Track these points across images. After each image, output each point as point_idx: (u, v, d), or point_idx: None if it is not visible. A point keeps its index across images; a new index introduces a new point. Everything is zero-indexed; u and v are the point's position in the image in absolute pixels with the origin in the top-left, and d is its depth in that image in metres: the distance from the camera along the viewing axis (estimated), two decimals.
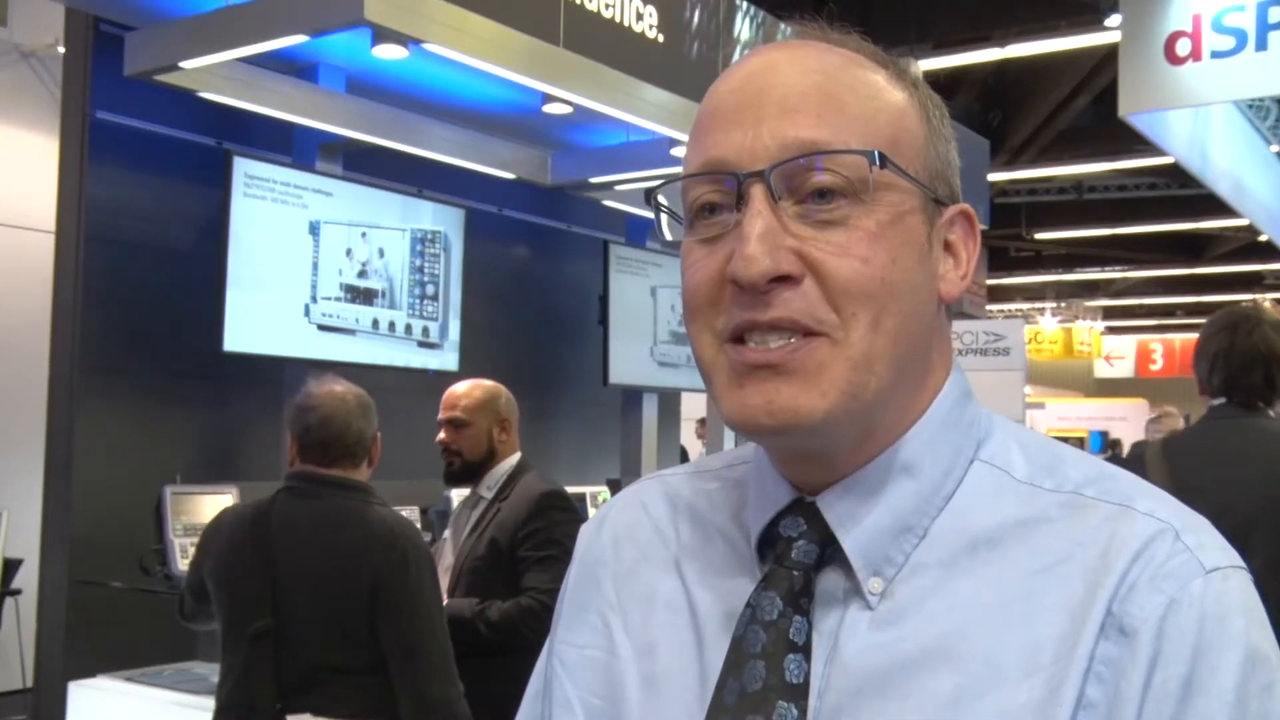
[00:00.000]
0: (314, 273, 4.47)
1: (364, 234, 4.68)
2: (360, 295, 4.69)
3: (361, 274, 4.68)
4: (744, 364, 0.69)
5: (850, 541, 0.72)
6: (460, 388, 3.12)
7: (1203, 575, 0.65)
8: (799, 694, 0.69)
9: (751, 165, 0.69)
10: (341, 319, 4.59)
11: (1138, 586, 0.65)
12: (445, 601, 2.83)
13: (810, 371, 0.68)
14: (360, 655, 2.36)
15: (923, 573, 0.71)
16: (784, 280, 0.68)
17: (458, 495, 3.29)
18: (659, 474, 0.90)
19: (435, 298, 5.01)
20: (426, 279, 4.99)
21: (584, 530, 0.90)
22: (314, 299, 4.46)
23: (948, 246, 0.76)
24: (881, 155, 0.68)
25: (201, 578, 2.54)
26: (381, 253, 4.79)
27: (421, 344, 4.93)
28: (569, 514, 2.98)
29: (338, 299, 4.57)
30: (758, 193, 0.68)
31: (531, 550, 2.87)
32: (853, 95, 0.71)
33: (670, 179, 0.75)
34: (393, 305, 4.83)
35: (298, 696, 2.35)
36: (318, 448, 2.49)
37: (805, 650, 0.70)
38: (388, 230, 4.79)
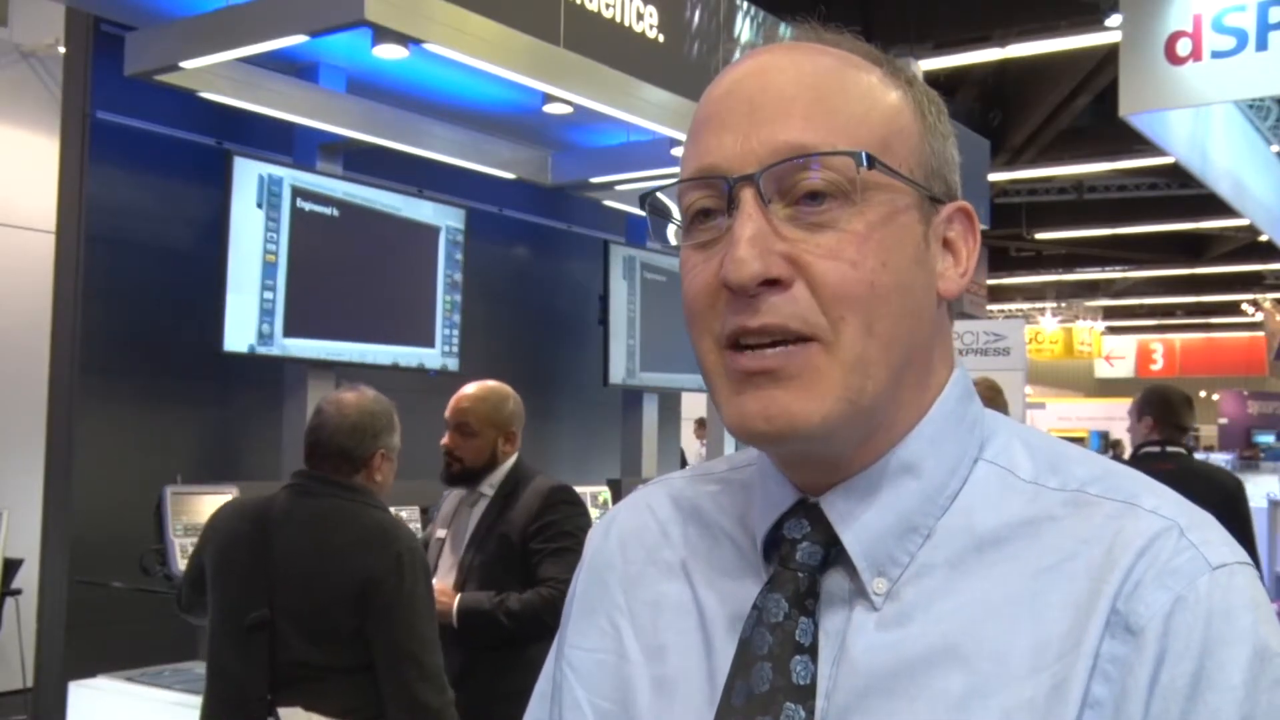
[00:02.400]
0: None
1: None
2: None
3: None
4: (740, 371, 0.69)
5: (854, 542, 0.72)
6: (471, 392, 3.10)
7: (1209, 572, 0.65)
8: (806, 695, 0.69)
9: (742, 169, 0.69)
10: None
11: (1143, 584, 0.65)
12: (458, 596, 2.89)
13: (805, 377, 0.68)
14: (347, 654, 2.36)
15: (929, 573, 0.71)
16: (774, 284, 0.68)
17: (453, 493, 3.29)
18: (665, 478, 0.90)
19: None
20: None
21: (591, 535, 0.90)
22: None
23: (947, 244, 0.75)
24: (870, 156, 0.68)
25: (201, 566, 2.56)
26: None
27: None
28: (578, 507, 3.05)
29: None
30: (748, 196, 0.69)
31: (545, 543, 2.92)
32: (843, 97, 0.71)
33: (662, 184, 0.75)
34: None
35: (287, 690, 2.36)
36: (307, 450, 2.56)
37: (811, 651, 0.70)
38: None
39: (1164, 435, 4.08)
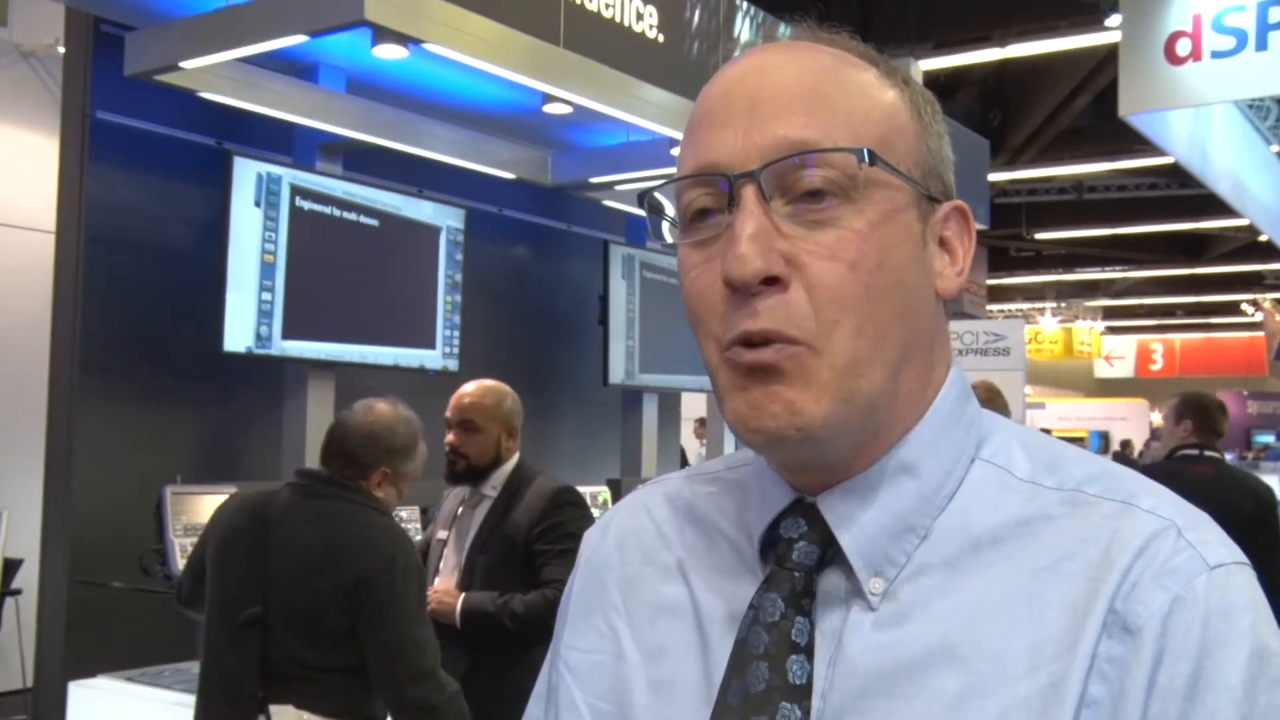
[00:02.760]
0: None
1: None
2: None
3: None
4: (743, 365, 0.69)
5: (850, 542, 0.72)
6: (472, 390, 3.12)
7: (1207, 572, 0.65)
8: (802, 695, 0.69)
9: (743, 166, 0.69)
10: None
11: (1141, 584, 0.65)
12: (462, 596, 2.91)
13: (799, 375, 0.68)
14: (340, 654, 2.37)
15: (926, 573, 0.70)
16: (774, 282, 0.67)
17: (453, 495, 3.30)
18: (662, 479, 0.90)
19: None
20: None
21: (588, 535, 0.90)
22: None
23: (943, 243, 0.75)
24: (871, 152, 0.68)
25: (203, 560, 2.57)
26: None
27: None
28: (582, 509, 3.07)
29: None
30: (749, 193, 0.68)
31: (549, 544, 2.93)
32: (842, 94, 0.71)
33: (662, 182, 0.75)
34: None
35: (281, 687, 2.36)
36: (322, 445, 2.59)
37: (808, 651, 0.70)
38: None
39: (1202, 439, 4.25)
